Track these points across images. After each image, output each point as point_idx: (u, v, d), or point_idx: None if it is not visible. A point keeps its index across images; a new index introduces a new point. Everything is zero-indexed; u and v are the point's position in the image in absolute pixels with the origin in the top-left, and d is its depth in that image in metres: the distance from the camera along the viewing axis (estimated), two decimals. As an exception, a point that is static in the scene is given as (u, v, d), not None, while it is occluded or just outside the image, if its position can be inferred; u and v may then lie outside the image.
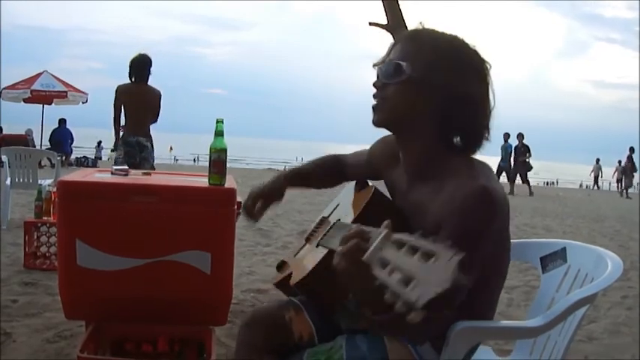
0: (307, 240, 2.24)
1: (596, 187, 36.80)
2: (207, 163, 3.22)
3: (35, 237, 5.61)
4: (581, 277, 2.29)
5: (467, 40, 1.85)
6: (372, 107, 1.88)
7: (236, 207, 3.27)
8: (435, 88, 1.77)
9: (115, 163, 7.02)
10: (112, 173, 3.47)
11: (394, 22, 4.72)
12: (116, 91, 7.32)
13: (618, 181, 36.24)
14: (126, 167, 3.52)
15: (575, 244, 2.48)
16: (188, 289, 3.19)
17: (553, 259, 2.47)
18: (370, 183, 2.24)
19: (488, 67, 1.85)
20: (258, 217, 2.31)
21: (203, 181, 3.31)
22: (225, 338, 3.85)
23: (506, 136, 22.13)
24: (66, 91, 19.31)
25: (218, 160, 3.16)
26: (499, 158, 22.50)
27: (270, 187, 2.30)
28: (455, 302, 1.35)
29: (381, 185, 2.12)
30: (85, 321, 3.44)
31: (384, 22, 4.79)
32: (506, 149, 22.12)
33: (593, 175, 37.14)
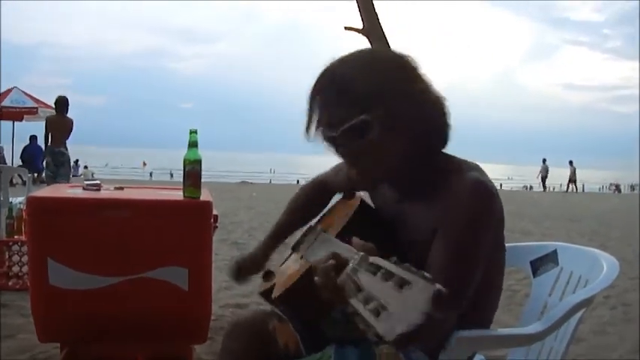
0: (293, 249, 2.16)
1: (543, 188, 36.76)
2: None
3: (7, 256, 5.48)
4: (575, 279, 2.23)
5: (380, 51, 1.78)
6: (358, 174, 1.78)
7: (212, 220, 3.17)
8: (400, 118, 1.68)
9: (47, 167, 11.42)
10: (83, 189, 3.36)
11: (369, 25, 4.67)
12: (46, 120, 11.90)
13: (571, 181, 36.50)
14: (98, 182, 3.40)
15: (566, 246, 2.43)
16: (166, 307, 3.08)
17: (544, 262, 2.41)
18: (358, 193, 2.15)
19: (412, 62, 1.75)
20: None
21: (178, 195, 3.21)
22: (206, 356, 3.75)
23: None
24: (36, 107, 19.12)
25: (193, 172, 3.06)
26: None
27: (252, 259, 2.28)
28: (432, 336, 1.33)
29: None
30: (60, 343, 3.31)
31: (360, 26, 4.75)
32: None
33: (540, 175, 36.87)
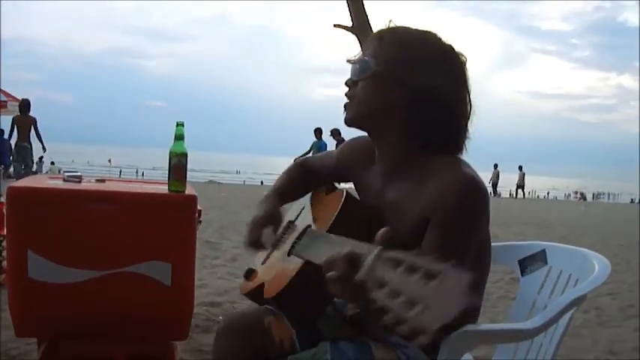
0: (274, 246, 2.12)
1: (494, 194, 36.79)
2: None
3: (-23, 251, 5.33)
4: (564, 278, 2.24)
5: (439, 36, 1.81)
6: (344, 106, 1.86)
7: (197, 215, 3.13)
8: (400, 84, 1.74)
9: (14, 160, 15.01)
10: (64, 180, 3.28)
11: (359, 24, 4.69)
12: (13, 119, 14.81)
13: (519, 187, 36.66)
14: (79, 174, 3.33)
15: (555, 245, 2.44)
16: (148, 303, 3.00)
17: (532, 261, 2.42)
18: (338, 186, 2.15)
19: (462, 62, 1.81)
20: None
21: (162, 189, 3.15)
22: (183, 353, 3.70)
23: (318, 132, 19.10)
24: (6, 101, 18.72)
25: (178, 165, 3.01)
26: None
27: (271, 212, 2.10)
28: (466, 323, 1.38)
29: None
30: (37, 339, 3.24)
31: (349, 24, 4.77)
32: (318, 147, 18.74)
33: (491, 181, 36.47)
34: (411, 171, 1.77)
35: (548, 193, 47.53)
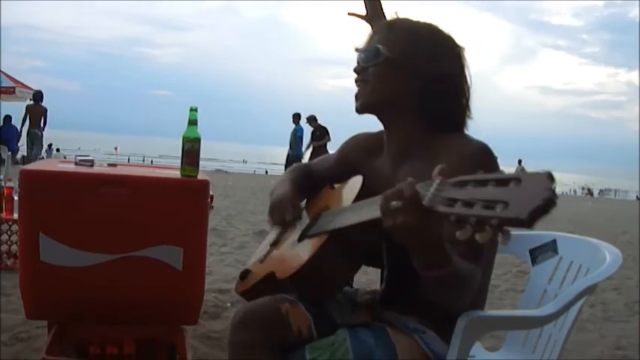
0: (274, 245, 2.13)
1: None
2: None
3: (-12, 235, 5.33)
4: (575, 268, 2.25)
5: (441, 27, 1.92)
6: (355, 95, 1.93)
7: (209, 200, 3.14)
8: (411, 69, 1.83)
9: (27, 145, 16.09)
10: (76, 164, 3.28)
11: (373, 13, 4.76)
12: (26, 107, 16.18)
13: None
14: (91, 158, 3.33)
15: (566, 236, 2.45)
16: (159, 287, 3.02)
17: (543, 251, 2.44)
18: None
19: (463, 49, 1.92)
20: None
21: (174, 173, 3.16)
22: (192, 339, 3.70)
23: (296, 117, 18.02)
24: (14, 87, 18.63)
25: (191, 151, 3.02)
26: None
27: (292, 189, 2.18)
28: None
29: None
30: (47, 321, 3.24)
31: (363, 13, 4.85)
32: (295, 134, 17.94)
33: None
34: (420, 151, 1.84)
35: (555, 188, 47.50)
